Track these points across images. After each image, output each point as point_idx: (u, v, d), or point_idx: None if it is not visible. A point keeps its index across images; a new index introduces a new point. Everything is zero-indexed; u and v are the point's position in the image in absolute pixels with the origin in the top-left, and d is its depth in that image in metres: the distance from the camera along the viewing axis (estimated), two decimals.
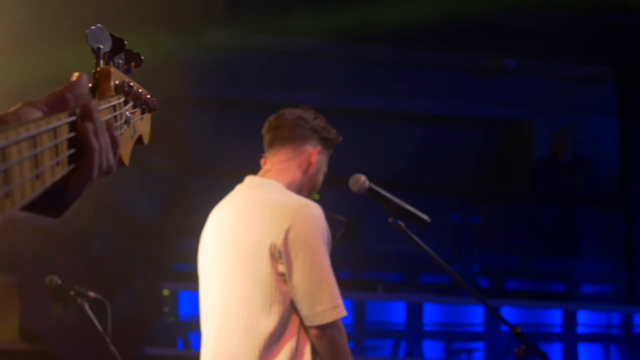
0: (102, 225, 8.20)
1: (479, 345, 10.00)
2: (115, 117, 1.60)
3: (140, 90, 1.80)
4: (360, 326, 9.42)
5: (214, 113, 9.86)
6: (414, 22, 8.63)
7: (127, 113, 1.71)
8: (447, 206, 9.95)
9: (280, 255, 3.35)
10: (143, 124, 1.86)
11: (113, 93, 1.64)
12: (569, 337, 9.87)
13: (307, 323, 3.37)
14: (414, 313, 9.63)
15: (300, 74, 9.82)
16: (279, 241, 3.35)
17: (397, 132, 10.40)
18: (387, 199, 3.79)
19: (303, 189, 3.62)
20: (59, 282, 5.29)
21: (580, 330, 10.04)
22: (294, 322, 3.37)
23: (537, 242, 10.19)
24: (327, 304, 3.34)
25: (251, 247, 3.40)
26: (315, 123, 3.64)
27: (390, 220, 3.79)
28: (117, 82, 1.69)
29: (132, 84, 1.76)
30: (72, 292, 5.27)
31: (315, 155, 3.61)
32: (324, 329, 3.36)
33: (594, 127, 11.18)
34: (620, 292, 10.14)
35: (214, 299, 3.51)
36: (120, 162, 1.69)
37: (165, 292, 8.58)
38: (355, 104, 9.85)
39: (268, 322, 3.36)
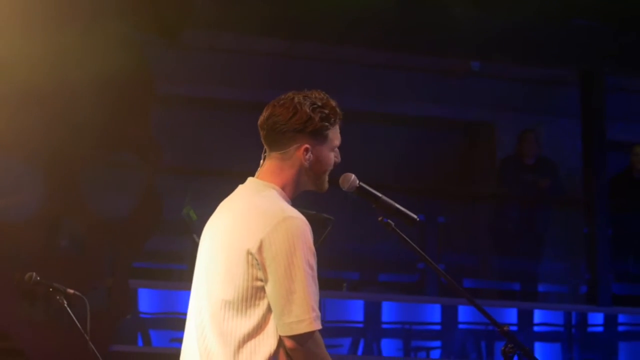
0: (70, 223, 8.18)
1: (436, 343, 10.08)
2: None
3: None
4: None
5: (185, 112, 9.87)
6: (380, 22, 8.71)
7: None
8: (412, 206, 9.98)
9: (257, 262, 3.36)
10: None
11: None
12: (526, 336, 9.99)
13: (279, 333, 3.37)
14: (373, 311, 9.69)
15: (273, 74, 9.85)
16: (254, 249, 3.35)
17: (362, 132, 10.46)
18: (377, 198, 3.82)
19: (304, 182, 3.60)
20: (38, 278, 5.28)
21: (538, 329, 10.15)
22: (273, 329, 3.37)
23: (500, 241, 10.29)
24: (295, 317, 3.32)
25: (232, 252, 3.42)
26: (295, 121, 3.53)
27: (380, 219, 3.80)
28: None
29: None
30: (50, 289, 5.25)
31: (301, 153, 3.59)
32: (295, 340, 3.34)
33: (557, 129, 11.31)
34: (579, 292, 10.27)
35: (197, 300, 3.54)
36: None
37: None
38: None
39: (242, 326, 3.37)
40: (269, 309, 3.38)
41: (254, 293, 3.38)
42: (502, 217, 10.44)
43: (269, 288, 3.36)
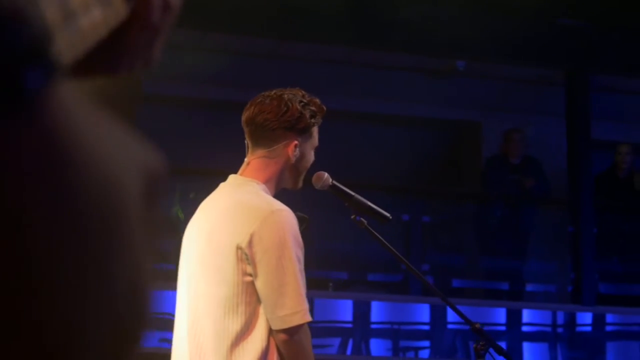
0: None
1: (426, 343, 10.08)
2: None
3: None
4: (309, 324, 9.43)
5: (175, 111, 9.87)
6: (365, 21, 8.70)
7: None
8: (397, 205, 10.02)
9: (246, 257, 3.36)
10: None
11: None
12: (514, 336, 9.99)
13: (272, 327, 3.39)
14: (362, 311, 9.68)
15: (258, 74, 9.86)
16: (244, 244, 3.36)
17: (347, 131, 10.47)
18: (350, 196, 3.83)
19: (285, 179, 3.60)
20: None
21: (525, 329, 10.16)
22: (263, 324, 3.38)
23: (485, 241, 10.30)
24: (289, 309, 3.34)
25: (220, 248, 3.42)
26: (287, 118, 3.54)
27: (352, 217, 3.81)
28: None
29: None
30: None
31: (291, 150, 3.59)
32: (288, 333, 3.37)
33: (542, 129, 11.33)
34: (565, 292, 10.27)
35: (187, 299, 3.53)
36: None
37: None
38: None
39: (235, 323, 3.37)
40: (258, 305, 3.39)
41: (245, 289, 3.38)
42: (488, 217, 10.45)
43: (259, 282, 3.36)
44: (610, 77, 10.80)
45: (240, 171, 3.61)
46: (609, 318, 10.21)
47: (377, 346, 9.88)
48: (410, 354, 10.13)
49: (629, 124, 11.59)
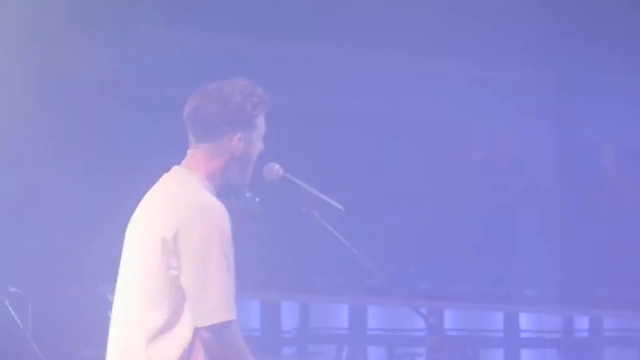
0: (36, 226, 8.18)
1: (422, 350, 10.07)
2: None
3: None
4: (304, 330, 9.48)
5: (152, 110, 9.85)
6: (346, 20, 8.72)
7: None
8: (384, 208, 10.02)
9: (171, 250, 3.33)
10: None
11: None
12: (511, 339, 10.00)
13: (195, 324, 3.34)
14: (358, 316, 9.69)
15: (225, 72, 9.82)
16: (169, 236, 3.33)
17: (335, 133, 10.44)
18: (302, 188, 3.80)
19: (231, 172, 3.55)
20: None
21: (521, 331, 10.17)
22: (189, 321, 3.35)
23: (473, 245, 10.29)
24: (209, 306, 3.30)
25: (148, 240, 3.40)
26: (227, 112, 3.50)
27: (304, 209, 3.77)
28: None
29: None
30: None
31: (235, 144, 3.53)
32: (211, 331, 3.32)
33: (530, 131, 11.30)
34: (556, 295, 10.28)
35: (121, 289, 3.51)
36: None
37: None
38: (278, 105, 9.85)
39: (158, 316, 3.34)
40: (183, 300, 3.35)
41: (169, 283, 3.35)
42: (475, 220, 10.44)
43: (183, 277, 3.33)
44: (599, 79, 10.78)
45: (183, 162, 3.58)
46: (598, 320, 10.22)
47: (373, 352, 9.88)
48: None
49: (616, 125, 11.56)
